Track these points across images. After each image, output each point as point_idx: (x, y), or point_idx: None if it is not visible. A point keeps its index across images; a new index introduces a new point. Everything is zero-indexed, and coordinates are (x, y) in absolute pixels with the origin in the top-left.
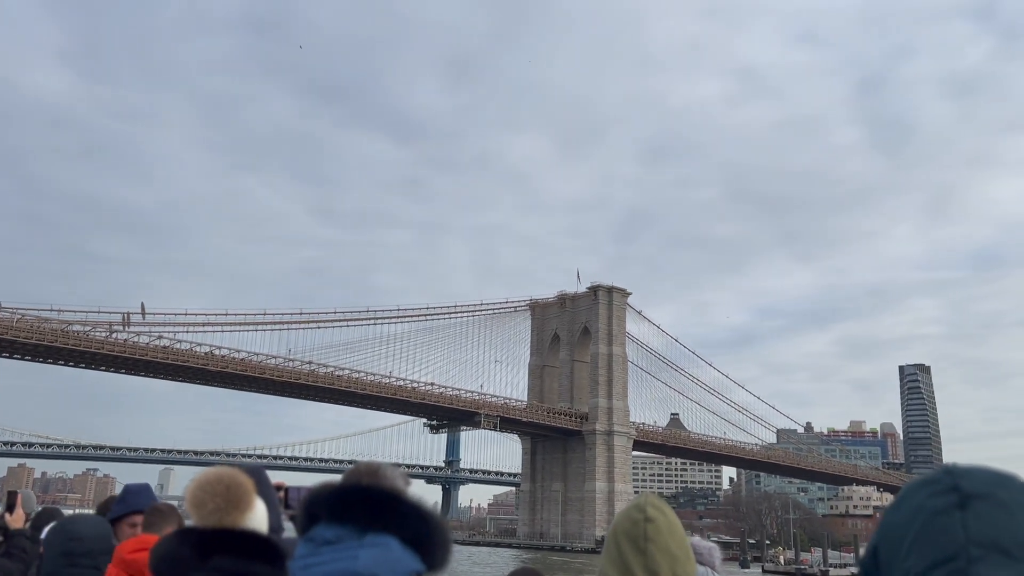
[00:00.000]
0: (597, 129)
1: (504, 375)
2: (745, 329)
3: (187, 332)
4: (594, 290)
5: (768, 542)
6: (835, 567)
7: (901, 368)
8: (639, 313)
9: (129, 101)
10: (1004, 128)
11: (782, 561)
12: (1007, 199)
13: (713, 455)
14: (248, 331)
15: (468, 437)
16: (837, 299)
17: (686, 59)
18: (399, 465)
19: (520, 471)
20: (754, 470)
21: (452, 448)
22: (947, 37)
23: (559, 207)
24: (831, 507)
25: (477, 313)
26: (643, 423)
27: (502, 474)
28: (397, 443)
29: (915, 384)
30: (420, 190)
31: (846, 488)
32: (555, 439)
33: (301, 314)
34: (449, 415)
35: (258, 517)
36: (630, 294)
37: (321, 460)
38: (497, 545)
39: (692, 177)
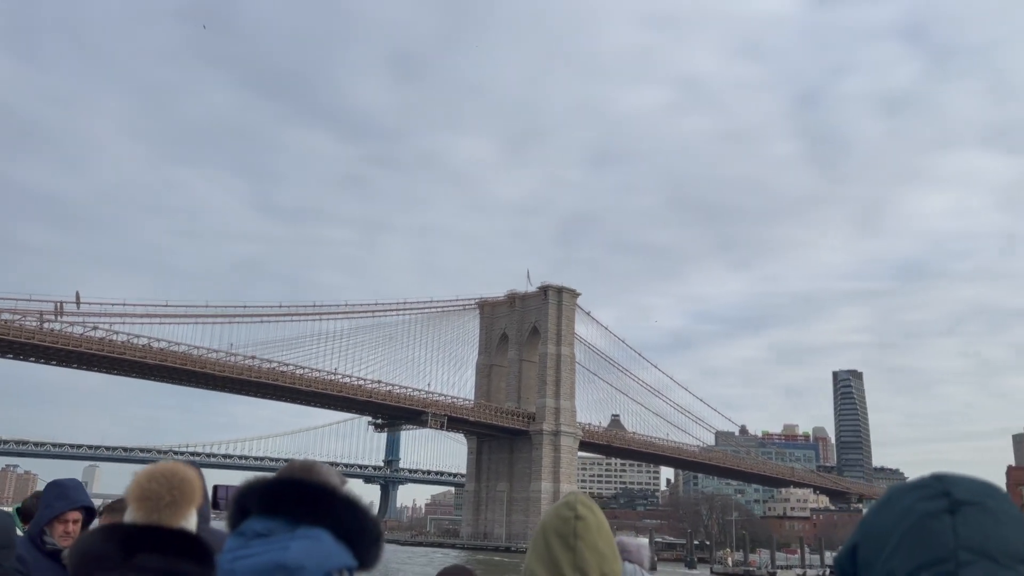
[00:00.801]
0: (542, 133)
1: (450, 374)
2: (682, 333)
3: (123, 323)
4: (544, 290)
5: (709, 543)
6: (782, 568)
7: (835, 374)
8: (588, 314)
9: (62, 87)
10: (932, 146)
11: (730, 562)
12: (932, 214)
13: (656, 456)
14: (185, 324)
15: (408, 437)
16: (770, 306)
17: (631, 67)
18: (336, 464)
19: (462, 471)
20: (695, 471)
21: (392, 447)
22: (880, 56)
23: (503, 209)
24: (768, 508)
25: (426, 311)
26: (588, 423)
27: (442, 474)
28: (334, 442)
29: (848, 389)
30: (362, 188)
31: (783, 490)
32: (501, 439)
33: (245, 308)
34: (396, 414)
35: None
36: (579, 295)
37: (256, 459)
38: (440, 545)
39: (634, 184)
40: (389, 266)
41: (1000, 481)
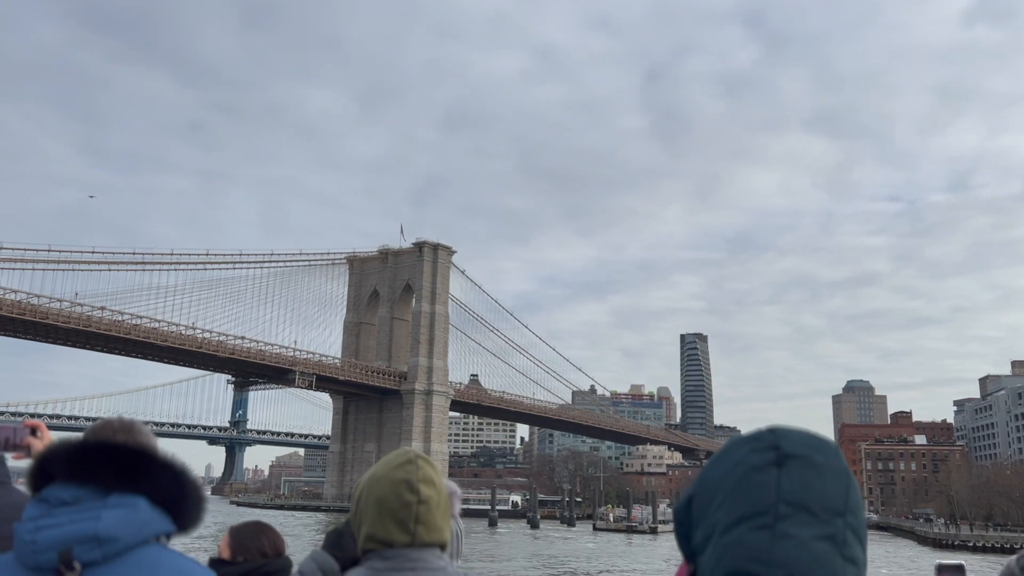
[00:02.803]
0: (397, 91)
1: (316, 332)
2: (530, 296)
3: None
4: (419, 246)
5: (580, 500)
6: (663, 523)
7: (682, 336)
8: (463, 272)
9: None
10: (764, 127)
11: (611, 518)
12: (762, 191)
13: (522, 414)
14: (12, 271)
15: (256, 397)
16: (613, 272)
17: (488, 31)
18: (178, 425)
19: (315, 431)
20: (560, 429)
21: (239, 408)
22: (723, 39)
23: (355, 166)
24: (626, 465)
25: (291, 264)
26: (454, 382)
27: (292, 435)
28: (171, 402)
29: (694, 351)
30: (204, 136)
31: (640, 447)
32: (370, 398)
33: (93, 253)
34: (260, 372)
35: None
36: (455, 252)
37: (88, 419)
38: (304, 508)
39: (488, 148)
40: (232, 220)
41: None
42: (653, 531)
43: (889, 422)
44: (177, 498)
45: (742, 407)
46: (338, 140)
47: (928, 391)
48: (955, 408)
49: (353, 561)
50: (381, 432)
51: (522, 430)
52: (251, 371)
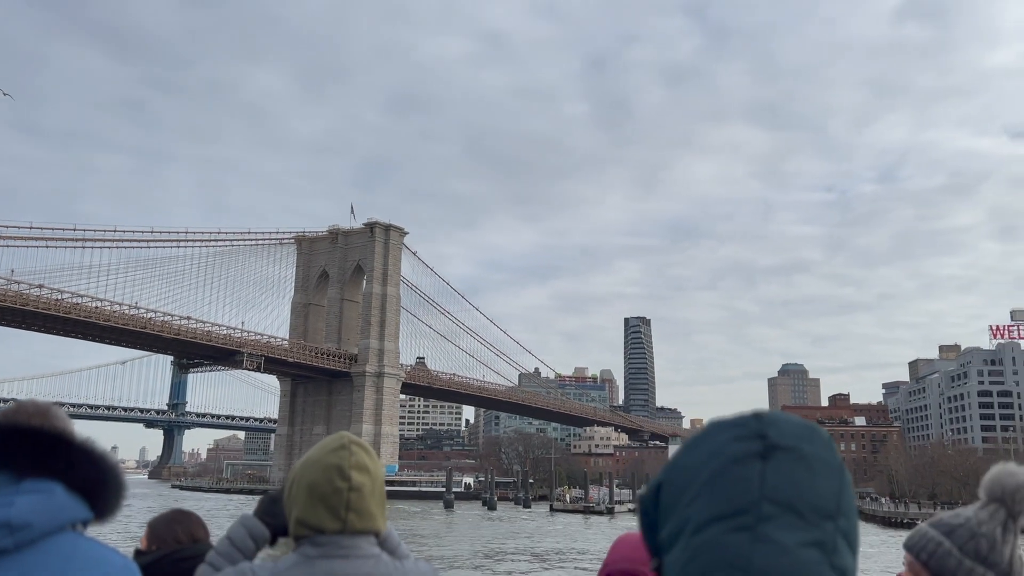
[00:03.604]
0: (343, 72)
1: (261, 313)
2: (473, 281)
3: None
4: (371, 227)
5: (532, 481)
6: (619, 503)
7: (627, 320)
8: (414, 253)
9: None
10: (705, 117)
11: (568, 499)
12: (702, 179)
13: (475, 397)
14: None
15: (196, 379)
16: (556, 258)
17: (436, 15)
18: (114, 408)
19: (256, 414)
20: (510, 412)
21: (177, 390)
22: (666, 29)
23: (298, 147)
24: (574, 446)
25: (239, 243)
26: (403, 365)
27: (233, 417)
28: (106, 384)
29: (638, 335)
30: (141, 113)
31: (587, 429)
32: (319, 381)
33: (31, 228)
34: (207, 353)
35: None
36: (407, 233)
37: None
38: (251, 492)
39: (434, 132)
40: (171, 199)
41: None
42: (610, 511)
43: (822, 404)
44: (95, 484)
45: (681, 390)
46: (281, 120)
47: (856, 374)
48: (884, 390)
49: (284, 529)
50: (330, 415)
51: (468, 412)
52: (197, 352)
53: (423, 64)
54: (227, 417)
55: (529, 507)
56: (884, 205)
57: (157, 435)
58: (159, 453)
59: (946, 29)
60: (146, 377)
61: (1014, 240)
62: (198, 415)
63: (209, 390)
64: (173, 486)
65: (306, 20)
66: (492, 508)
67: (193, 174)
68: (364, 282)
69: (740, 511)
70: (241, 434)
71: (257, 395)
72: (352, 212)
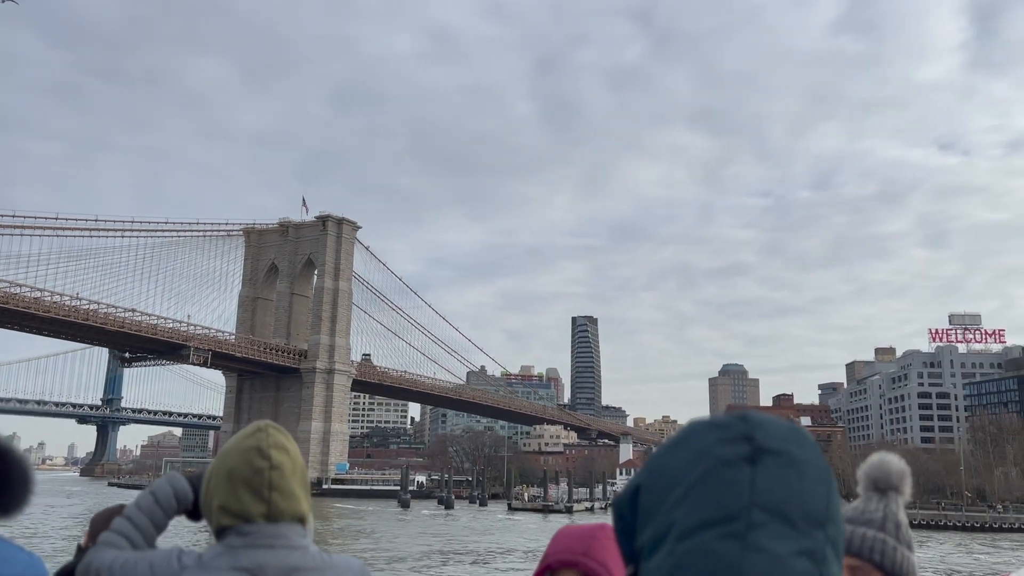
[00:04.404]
0: (289, 64)
1: (207, 306)
2: (417, 278)
3: None
4: (323, 220)
5: (483, 479)
6: (578, 502)
7: (574, 319)
8: (367, 248)
9: None
10: (650, 120)
11: (526, 498)
12: (645, 182)
13: (425, 394)
14: None
15: (132, 373)
16: (502, 256)
17: (382, 10)
18: (44, 403)
19: (194, 410)
20: (461, 410)
21: (112, 385)
22: (612, 33)
23: (241, 138)
24: (524, 444)
25: (185, 234)
26: (352, 361)
27: (170, 413)
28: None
29: (585, 333)
30: (76, 99)
31: (536, 427)
32: (267, 377)
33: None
34: (151, 347)
35: None
36: (360, 227)
37: None
38: None
39: (380, 127)
40: (108, 188)
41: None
42: (568, 510)
43: (761, 404)
44: None
45: (623, 388)
46: (224, 111)
47: (792, 375)
48: (820, 391)
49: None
50: (278, 412)
51: (413, 410)
52: (142, 346)
53: (370, 58)
54: (164, 413)
55: (486, 505)
56: (819, 211)
57: (89, 431)
58: (89, 450)
59: (880, 43)
60: (80, 371)
61: (940, 247)
62: (134, 411)
63: (146, 385)
64: (111, 484)
65: (253, 10)
66: (449, 507)
67: (131, 163)
68: (315, 276)
69: (729, 517)
70: (177, 431)
71: (195, 391)
72: (304, 205)
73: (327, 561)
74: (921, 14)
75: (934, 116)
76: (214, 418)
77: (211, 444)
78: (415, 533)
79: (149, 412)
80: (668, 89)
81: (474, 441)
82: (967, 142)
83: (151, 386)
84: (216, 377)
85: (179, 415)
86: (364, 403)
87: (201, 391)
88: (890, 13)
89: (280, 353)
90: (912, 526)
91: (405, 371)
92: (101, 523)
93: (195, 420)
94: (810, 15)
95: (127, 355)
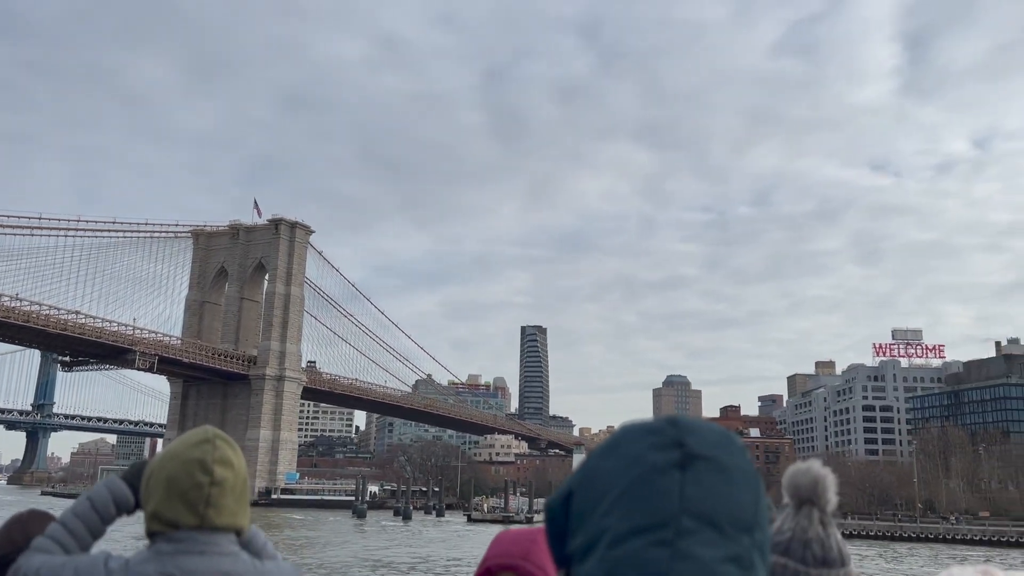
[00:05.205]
0: (234, 65)
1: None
2: (363, 284)
3: None
4: (276, 224)
5: (437, 489)
6: (538, 512)
7: (523, 328)
8: (320, 253)
9: None
10: (596, 134)
11: (485, 508)
12: (591, 194)
13: (376, 403)
14: None
15: (65, 378)
16: (449, 264)
17: (331, 15)
18: None
19: (131, 417)
20: (412, 419)
21: (44, 389)
22: (560, 47)
23: (183, 140)
24: (474, 454)
25: (129, 235)
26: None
27: (105, 420)
28: None
29: (534, 343)
30: (8, 95)
31: (487, 436)
32: (214, 383)
33: None
34: (95, 351)
35: None
36: (313, 232)
37: None
38: None
39: (326, 132)
40: (41, 188)
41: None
42: (529, 520)
43: (707, 415)
44: None
45: (568, 398)
46: (165, 111)
47: (731, 388)
48: (760, 403)
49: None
50: (225, 419)
51: (358, 418)
52: (85, 350)
53: (317, 63)
54: (99, 419)
55: (442, 515)
56: (758, 227)
57: (17, 437)
58: (16, 457)
59: (818, 66)
60: (9, 374)
61: (873, 264)
62: (66, 416)
63: (80, 390)
64: (44, 492)
65: (196, 9)
66: (407, 518)
67: (66, 162)
68: (266, 281)
69: (660, 524)
70: (111, 438)
71: (132, 396)
72: (256, 208)
73: (258, 568)
74: (857, 40)
75: (868, 138)
76: (151, 425)
77: (146, 452)
78: (379, 546)
79: (83, 418)
80: (613, 104)
81: (425, 451)
82: (898, 164)
83: (85, 391)
84: (155, 382)
85: (115, 421)
86: (309, 411)
87: (140, 396)
88: (828, 38)
89: (229, 359)
90: (868, 537)
91: (356, 379)
92: (15, 526)
93: (132, 427)
94: (752, 37)
95: (68, 359)
